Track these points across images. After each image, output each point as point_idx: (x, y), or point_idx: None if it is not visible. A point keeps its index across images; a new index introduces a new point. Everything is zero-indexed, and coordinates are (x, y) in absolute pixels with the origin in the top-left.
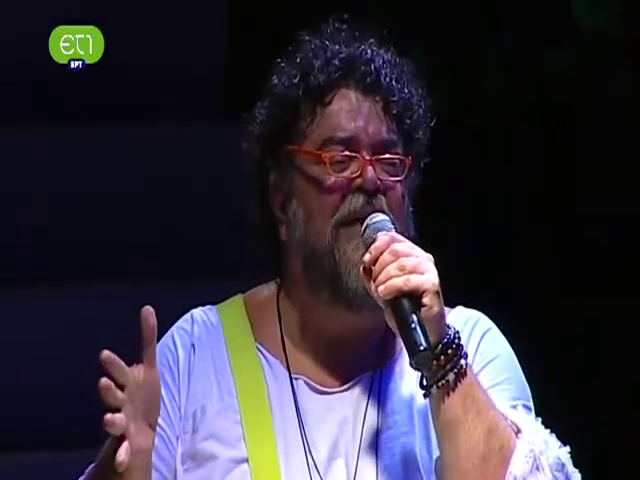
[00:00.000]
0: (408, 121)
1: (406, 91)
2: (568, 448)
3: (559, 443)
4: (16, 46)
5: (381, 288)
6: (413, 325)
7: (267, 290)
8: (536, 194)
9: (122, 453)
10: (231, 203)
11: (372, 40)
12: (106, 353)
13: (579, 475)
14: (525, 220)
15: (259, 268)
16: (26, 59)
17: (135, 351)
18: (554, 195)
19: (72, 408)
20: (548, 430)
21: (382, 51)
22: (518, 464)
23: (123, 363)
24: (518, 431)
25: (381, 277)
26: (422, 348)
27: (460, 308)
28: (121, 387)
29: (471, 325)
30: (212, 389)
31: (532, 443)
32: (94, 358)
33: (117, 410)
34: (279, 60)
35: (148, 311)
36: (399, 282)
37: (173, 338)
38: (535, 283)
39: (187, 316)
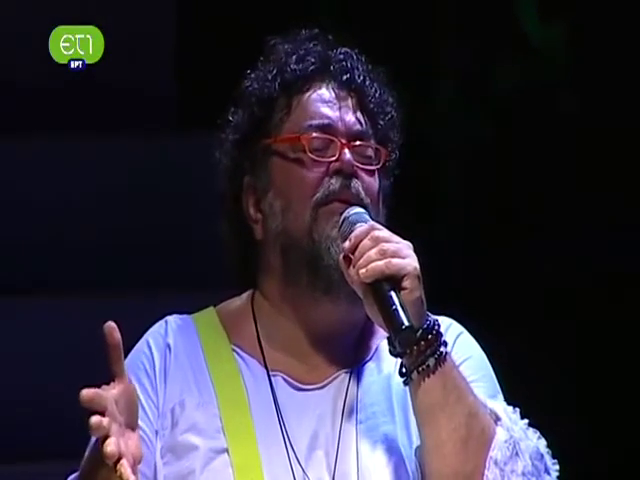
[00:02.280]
0: (381, 122)
1: (379, 94)
2: (544, 441)
3: (537, 434)
4: (16, 46)
5: (362, 271)
6: (394, 306)
7: (239, 300)
8: (490, 206)
9: (129, 474)
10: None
11: (344, 47)
12: (83, 394)
13: (557, 467)
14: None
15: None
16: (26, 59)
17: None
18: (509, 206)
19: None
20: (526, 420)
21: (355, 55)
22: (498, 449)
23: (100, 391)
24: (497, 419)
25: (362, 261)
26: (404, 326)
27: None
28: (102, 413)
29: (444, 329)
30: (190, 386)
31: (512, 430)
32: (95, 368)
33: (107, 437)
34: (249, 71)
35: (111, 327)
36: (381, 264)
37: (147, 342)
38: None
39: (161, 321)
